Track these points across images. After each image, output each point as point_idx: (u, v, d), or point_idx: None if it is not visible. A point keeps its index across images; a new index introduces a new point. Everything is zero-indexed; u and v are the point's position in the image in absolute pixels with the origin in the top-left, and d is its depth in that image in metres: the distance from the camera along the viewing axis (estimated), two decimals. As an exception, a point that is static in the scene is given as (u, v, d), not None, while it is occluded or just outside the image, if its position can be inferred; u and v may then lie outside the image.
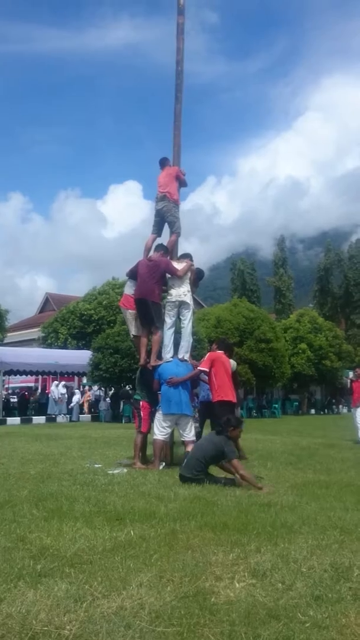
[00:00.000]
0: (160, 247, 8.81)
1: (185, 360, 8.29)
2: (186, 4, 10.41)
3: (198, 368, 8.06)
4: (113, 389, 27.28)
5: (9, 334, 38.61)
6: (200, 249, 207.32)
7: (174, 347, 8.41)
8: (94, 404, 29.18)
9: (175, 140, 9.77)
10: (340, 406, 39.68)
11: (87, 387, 30.52)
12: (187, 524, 4.37)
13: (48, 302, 51.44)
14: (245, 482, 6.12)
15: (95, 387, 30.60)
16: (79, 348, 30.29)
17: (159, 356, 8.36)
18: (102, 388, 28.56)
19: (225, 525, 4.30)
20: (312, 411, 37.60)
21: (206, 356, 8.24)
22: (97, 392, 30.65)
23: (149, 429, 8.28)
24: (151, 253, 8.81)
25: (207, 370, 7.97)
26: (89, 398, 28.81)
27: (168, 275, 8.51)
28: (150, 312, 8.36)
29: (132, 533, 4.06)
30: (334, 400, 39.97)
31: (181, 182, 9.20)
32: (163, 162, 9.25)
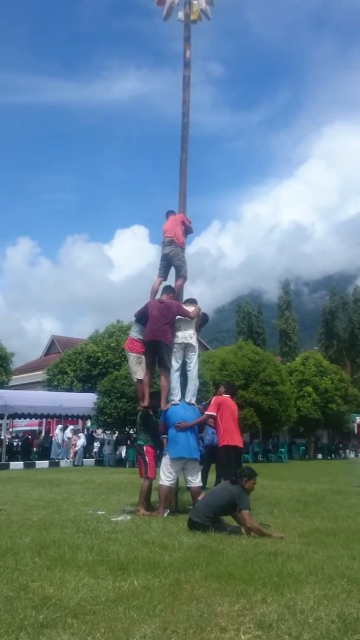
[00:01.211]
0: (167, 289, 8.91)
1: (193, 404, 8.28)
2: (192, 57, 10.86)
3: (206, 413, 8.05)
4: (117, 432, 27.01)
5: (14, 377, 38.55)
6: (206, 291, 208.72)
7: (181, 389, 8.41)
8: (98, 448, 28.79)
9: (181, 187, 10.04)
10: (348, 451, 39.10)
11: (73, 435, 28.24)
12: (191, 573, 4.29)
13: (53, 345, 51.54)
14: (255, 533, 6.05)
15: (99, 431, 30.28)
16: (85, 391, 30.15)
17: (167, 400, 8.35)
18: (107, 432, 28.28)
19: (231, 575, 4.23)
20: (319, 456, 37.02)
21: (212, 400, 8.23)
22: (102, 436, 30.32)
23: (156, 474, 8.18)
24: (158, 295, 8.91)
25: (214, 415, 7.98)
26: (74, 443, 26.26)
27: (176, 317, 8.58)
28: (161, 354, 8.39)
29: (136, 583, 4.00)
30: (340, 445, 39.40)
31: (187, 229, 9.39)
32: (168, 214, 9.47)
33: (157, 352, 8.41)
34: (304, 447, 36.99)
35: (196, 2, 10.90)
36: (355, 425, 40.91)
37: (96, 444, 28.49)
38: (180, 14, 10.88)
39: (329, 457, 36.73)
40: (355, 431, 41.05)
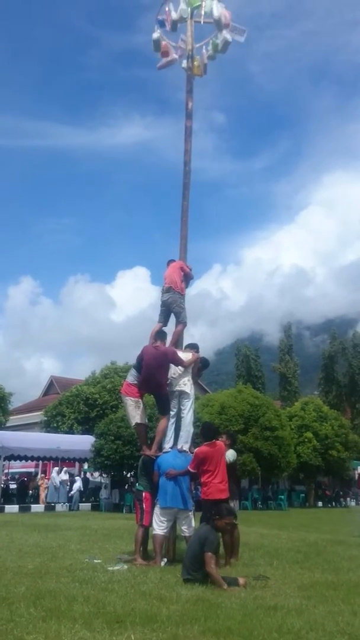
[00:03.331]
0: (160, 334, 8.89)
1: (185, 451, 8.13)
2: (195, 107, 11.24)
3: (188, 468, 7.66)
4: (113, 475, 26.64)
5: (11, 417, 38.24)
6: (207, 333, 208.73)
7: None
8: (94, 492, 28.32)
9: (182, 232, 10.23)
10: (348, 499, 38.38)
11: (41, 475, 27.97)
12: (189, 628, 4.22)
13: (52, 385, 51.32)
14: (211, 579, 5.93)
15: (96, 474, 29.83)
16: (84, 433, 29.88)
17: (160, 446, 8.31)
18: (104, 475, 27.88)
19: (230, 631, 4.15)
20: (320, 503, 36.34)
21: (194, 454, 7.75)
22: (99, 479, 29.89)
23: (151, 522, 8.06)
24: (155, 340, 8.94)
25: (194, 472, 7.65)
26: (46, 485, 25.80)
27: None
28: (159, 402, 8.49)
29: (133, 637, 3.94)
30: (341, 493, 38.71)
31: (187, 275, 9.50)
32: (169, 262, 9.61)
33: (156, 400, 8.45)
34: (304, 495, 36.35)
35: (198, 57, 11.36)
36: (356, 473, 40.33)
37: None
38: (184, 63, 11.33)
39: (329, 505, 36.06)
40: (356, 478, 40.43)
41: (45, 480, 26.37)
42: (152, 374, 8.34)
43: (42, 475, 28.39)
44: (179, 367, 8.45)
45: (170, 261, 9.60)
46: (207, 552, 6.02)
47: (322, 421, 35.59)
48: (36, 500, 25.67)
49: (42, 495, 25.33)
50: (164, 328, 9.26)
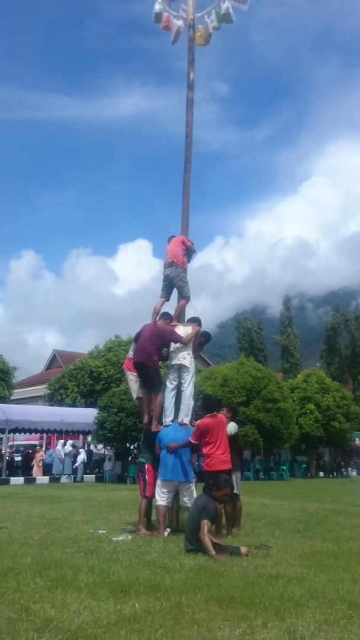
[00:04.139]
0: (165, 315, 8.94)
1: (186, 424, 8.19)
2: (197, 76, 11.01)
3: (189, 439, 7.73)
4: (117, 447, 26.94)
5: (15, 391, 38.54)
6: (210, 305, 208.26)
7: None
8: (98, 464, 28.67)
9: (184, 206, 10.14)
10: (350, 469, 38.80)
11: (37, 447, 28.39)
12: (192, 597, 4.30)
13: (55, 359, 51.58)
14: (202, 545, 6.06)
15: (100, 446, 30.19)
16: (88, 406, 30.11)
17: (160, 420, 8.37)
18: (107, 447, 28.20)
19: (232, 599, 4.23)
20: (321, 474, 36.78)
21: (196, 425, 7.77)
22: (102, 452, 30.23)
23: (154, 493, 8.17)
24: (158, 318, 8.95)
25: (195, 443, 7.69)
26: (41, 458, 26.13)
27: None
28: (148, 376, 8.49)
29: (137, 606, 4.01)
30: (342, 463, 39.15)
31: (188, 249, 9.42)
32: (170, 239, 9.53)
33: (146, 374, 8.50)
34: (305, 465, 36.77)
35: (201, 26, 11.08)
36: (358, 444, 40.67)
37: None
38: (187, 33, 11.05)
39: (330, 475, 36.49)
40: (357, 449, 40.80)
41: (42, 453, 26.51)
42: (144, 345, 8.42)
43: (39, 447, 28.57)
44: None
45: (172, 237, 9.52)
46: (203, 519, 6.12)
47: (324, 393, 35.77)
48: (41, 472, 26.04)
49: (37, 469, 25.28)
50: (166, 302, 9.26)
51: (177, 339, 8.47)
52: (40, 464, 25.53)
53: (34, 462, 25.82)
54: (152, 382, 8.51)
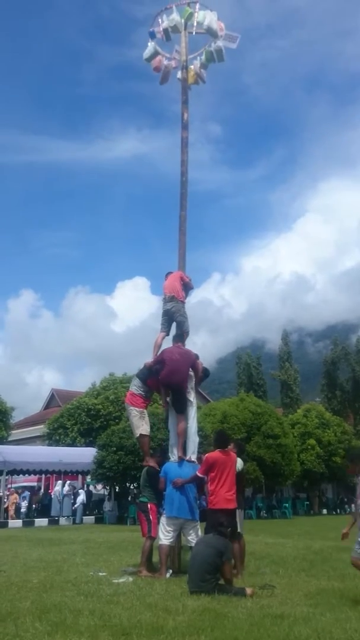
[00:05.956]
0: (178, 337, 8.94)
1: (193, 461, 8.08)
2: (191, 118, 11.33)
3: (196, 473, 7.58)
4: (117, 488, 26.51)
5: (13, 432, 38.13)
6: (209, 341, 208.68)
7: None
8: (97, 504, 28.12)
9: (181, 242, 10.28)
10: (353, 505, 38.10)
11: (11, 489, 26.76)
12: (196, 639, 4.19)
13: (54, 398, 51.16)
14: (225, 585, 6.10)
15: (99, 486, 29.67)
16: (87, 444, 29.74)
17: (185, 450, 8.14)
18: (106, 487, 27.74)
19: (237, 640, 4.12)
20: (324, 511, 36.15)
21: (204, 458, 7.62)
22: (102, 492, 29.72)
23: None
24: (162, 348, 8.94)
25: (204, 477, 7.54)
26: (15, 501, 24.62)
27: None
28: (184, 397, 8.33)
29: (140, 649, 3.90)
30: (345, 499, 38.51)
31: (186, 285, 9.52)
32: (168, 274, 9.63)
33: (179, 397, 8.30)
34: (308, 503, 36.17)
35: (192, 66, 11.48)
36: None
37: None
38: (179, 74, 11.44)
39: (334, 512, 35.87)
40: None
41: (15, 495, 25.47)
42: (177, 367, 8.24)
43: (13, 489, 27.46)
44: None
45: (169, 273, 9.63)
46: (227, 561, 6.11)
47: (325, 428, 35.52)
48: (40, 514, 25.50)
49: (11, 510, 23.91)
50: (166, 338, 9.28)
51: (197, 369, 8.57)
52: (13, 507, 24.25)
53: (7, 506, 24.09)
54: (185, 403, 8.35)
